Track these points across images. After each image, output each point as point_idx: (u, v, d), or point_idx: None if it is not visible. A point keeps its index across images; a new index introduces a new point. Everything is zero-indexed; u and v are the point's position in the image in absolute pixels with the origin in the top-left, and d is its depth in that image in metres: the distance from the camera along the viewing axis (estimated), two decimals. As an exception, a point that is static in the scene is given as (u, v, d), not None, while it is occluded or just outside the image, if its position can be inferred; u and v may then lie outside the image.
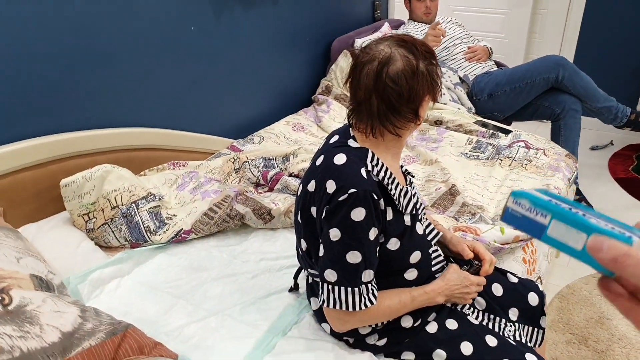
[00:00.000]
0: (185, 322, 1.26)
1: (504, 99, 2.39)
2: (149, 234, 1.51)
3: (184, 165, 1.80)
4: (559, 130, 2.39)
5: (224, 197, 1.57)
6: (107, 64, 1.63)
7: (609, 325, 1.84)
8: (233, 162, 1.77)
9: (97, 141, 1.60)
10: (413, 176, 1.25)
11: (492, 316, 1.23)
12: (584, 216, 0.40)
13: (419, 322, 1.15)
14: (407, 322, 1.14)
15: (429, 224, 1.20)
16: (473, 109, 2.43)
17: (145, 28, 1.71)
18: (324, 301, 1.02)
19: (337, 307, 1.01)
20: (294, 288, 1.34)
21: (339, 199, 0.96)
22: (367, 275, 1.00)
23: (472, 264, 1.21)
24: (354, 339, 1.16)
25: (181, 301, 1.33)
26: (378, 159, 1.04)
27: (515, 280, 1.29)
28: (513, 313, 1.25)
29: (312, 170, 1.07)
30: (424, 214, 1.20)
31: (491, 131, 2.07)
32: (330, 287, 1.01)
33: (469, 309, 1.22)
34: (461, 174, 1.81)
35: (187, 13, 1.84)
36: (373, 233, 0.99)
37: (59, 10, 1.46)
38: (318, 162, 1.06)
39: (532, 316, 1.26)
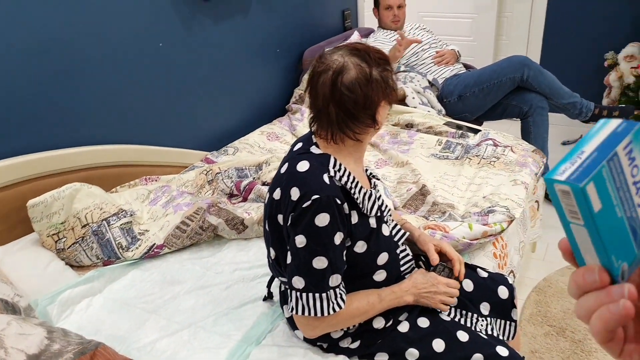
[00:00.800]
0: (157, 336, 1.25)
1: (473, 100, 2.44)
2: (121, 251, 1.50)
3: (156, 180, 1.80)
4: (528, 127, 2.44)
5: (196, 210, 1.57)
6: (75, 82, 1.63)
7: (586, 316, 1.87)
8: (206, 174, 1.77)
9: (67, 160, 1.60)
10: (378, 179, 1.27)
11: (464, 312, 1.25)
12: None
13: (391, 322, 1.16)
14: (379, 324, 1.15)
15: (396, 224, 1.21)
16: (443, 111, 2.47)
17: (113, 45, 1.72)
18: (293, 308, 1.03)
19: (306, 313, 1.02)
20: (268, 297, 1.34)
21: (303, 206, 0.98)
22: (335, 279, 1.02)
23: (437, 268, 1.22)
24: (328, 344, 1.17)
25: (154, 316, 1.32)
26: (340, 165, 1.06)
27: (485, 275, 1.31)
28: (484, 307, 1.26)
29: (278, 178, 1.08)
30: (390, 215, 1.21)
31: (461, 131, 2.11)
32: (298, 294, 1.02)
33: (453, 304, 1.23)
34: (431, 174, 1.84)
35: (156, 29, 1.86)
36: (338, 238, 1.00)
37: (25, 29, 1.47)
38: (283, 169, 1.08)
39: (503, 309, 1.28)
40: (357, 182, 1.07)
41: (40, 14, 1.50)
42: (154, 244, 1.51)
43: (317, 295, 1.01)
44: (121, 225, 1.53)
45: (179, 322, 1.29)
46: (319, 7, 2.78)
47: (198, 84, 2.08)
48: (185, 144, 2.06)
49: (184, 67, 2.00)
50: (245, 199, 1.70)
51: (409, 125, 2.22)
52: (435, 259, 1.21)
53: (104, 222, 1.51)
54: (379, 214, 1.12)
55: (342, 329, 1.14)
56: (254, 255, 1.52)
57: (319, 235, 0.98)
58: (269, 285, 1.33)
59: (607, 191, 0.33)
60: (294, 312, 1.03)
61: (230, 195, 1.74)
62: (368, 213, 1.08)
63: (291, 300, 1.03)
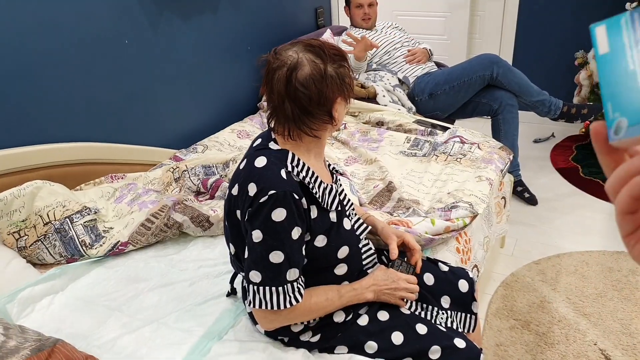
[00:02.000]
0: (119, 333, 1.25)
1: (444, 98, 2.47)
2: (84, 248, 1.49)
3: (122, 178, 1.79)
4: (498, 125, 2.48)
5: (162, 207, 1.57)
6: (36, 78, 1.61)
7: (550, 309, 1.91)
8: (172, 172, 1.77)
9: (28, 158, 1.58)
10: (341, 173, 1.28)
11: (424, 305, 1.27)
12: None
13: (351, 316, 1.17)
14: (339, 317, 1.17)
15: (358, 218, 1.23)
16: (413, 109, 2.50)
17: (77, 41, 1.70)
18: (251, 302, 1.04)
19: (263, 307, 1.02)
20: (231, 292, 1.34)
21: (260, 201, 0.99)
22: (292, 274, 1.02)
23: (394, 263, 1.24)
24: (288, 338, 1.18)
25: (116, 313, 1.31)
26: (299, 160, 1.07)
27: (446, 268, 1.33)
28: (445, 301, 1.29)
29: (236, 174, 1.09)
30: (352, 209, 1.22)
31: (430, 129, 2.14)
32: (255, 287, 1.02)
33: (408, 307, 1.25)
34: (399, 171, 1.86)
35: (122, 26, 1.84)
36: (296, 232, 1.01)
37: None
38: (242, 165, 1.09)
39: (464, 303, 1.30)
40: (317, 177, 1.08)
41: (2, 9, 1.48)
42: (119, 241, 1.51)
43: (273, 289, 1.01)
44: (85, 222, 1.52)
45: (142, 319, 1.29)
46: (291, 4, 2.78)
47: (166, 81, 2.07)
48: (154, 141, 2.05)
49: (151, 64, 1.99)
50: (212, 197, 1.70)
51: (379, 123, 2.24)
52: (394, 253, 1.23)
53: (66, 219, 1.50)
54: (339, 208, 1.13)
55: (302, 323, 1.15)
56: (219, 253, 1.52)
57: (275, 230, 0.99)
58: (231, 282, 1.33)
59: (621, 39, 0.32)
60: (252, 305, 1.04)
61: (198, 193, 1.74)
62: (328, 207, 1.09)
63: (249, 294, 1.04)
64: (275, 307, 1.02)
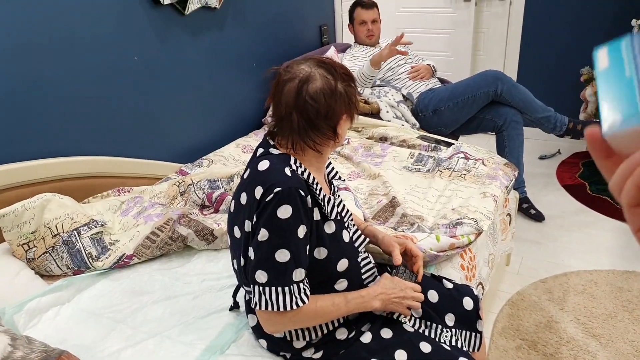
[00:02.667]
0: (122, 346, 1.25)
1: (448, 114, 2.49)
2: (91, 260, 1.50)
3: (129, 191, 1.81)
4: (502, 141, 2.49)
5: (167, 220, 1.58)
6: (47, 93, 1.64)
7: (557, 329, 1.89)
8: (178, 186, 1.79)
9: (38, 171, 1.61)
10: (344, 188, 1.29)
11: (428, 323, 1.26)
12: None
13: (354, 333, 1.17)
14: (341, 334, 1.16)
15: (356, 230, 1.23)
16: (417, 125, 2.52)
17: (87, 57, 1.74)
18: (256, 304, 1.03)
19: (269, 308, 1.01)
20: (234, 306, 1.35)
21: (266, 200, 0.99)
22: (298, 274, 1.02)
23: (398, 270, 1.24)
24: (291, 354, 1.17)
25: (120, 325, 1.32)
26: (301, 164, 1.09)
27: (450, 286, 1.33)
28: (449, 318, 1.28)
29: (241, 184, 1.10)
30: (351, 221, 1.23)
31: (433, 144, 2.15)
32: (261, 288, 1.01)
33: (405, 317, 1.24)
34: (402, 186, 1.87)
35: (131, 42, 1.88)
36: (302, 231, 1.01)
37: (-6, 43, 1.49)
38: (246, 175, 1.10)
39: (468, 320, 1.29)
40: (317, 183, 1.09)
41: (14, 24, 1.52)
42: (124, 254, 1.52)
43: (279, 289, 1.01)
44: (92, 235, 1.54)
45: (145, 331, 1.30)
46: (296, 22, 2.83)
47: (173, 96, 2.11)
48: (161, 156, 2.07)
49: (159, 80, 2.03)
50: (216, 210, 1.72)
51: (382, 139, 2.26)
52: (398, 259, 1.22)
53: (74, 232, 1.52)
54: (338, 218, 1.14)
55: (304, 339, 1.15)
56: (223, 266, 1.53)
57: (281, 228, 0.99)
58: (234, 295, 1.34)
59: (620, 55, 0.35)
60: (257, 307, 1.03)
61: (202, 207, 1.76)
62: (328, 215, 1.10)
63: (254, 296, 1.03)
64: (281, 308, 1.01)
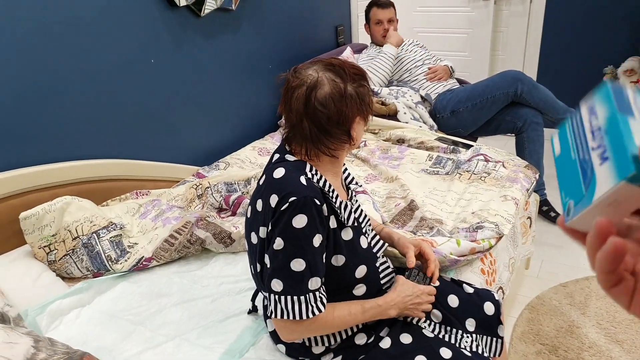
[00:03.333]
0: (142, 348, 1.26)
1: (467, 115, 2.46)
2: (110, 263, 1.52)
3: (147, 194, 1.82)
4: (522, 143, 2.45)
5: (185, 223, 1.59)
6: (66, 97, 1.66)
7: (579, 334, 1.85)
8: (195, 189, 1.80)
9: (58, 174, 1.63)
10: (362, 191, 1.28)
11: (448, 328, 1.24)
12: None
13: (373, 338, 1.16)
14: (360, 340, 1.15)
15: (375, 235, 1.22)
16: (435, 127, 2.49)
17: (105, 61, 1.76)
18: (272, 312, 1.03)
19: (285, 316, 1.01)
20: (252, 310, 1.35)
21: (281, 209, 0.99)
22: (314, 283, 1.01)
23: (412, 273, 1.23)
24: (310, 358, 1.17)
25: (140, 328, 1.33)
26: (317, 171, 1.07)
27: (471, 290, 1.31)
28: (470, 324, 1.26)
29: (257, 190, 1.10)
30: (369, 226, 1.22)
31: (452, 146, 2.12)
32: (276, 296, 1.01)
33: (425, 322, 1.23)
34: (421, 189, 1.85)
35: (148, 45, 1.90)
36: (317, 240, 1.00)
37: (16, 44, 1.50)
38: (261, 181, 1.09)
39: (489, 326, 1.27)
40: (334, 190, 1.08)
41: (29, 29, 1.54)
42: (143, 257, 1.53)
43: (295, 298, 1.00)
44: (111, 238, 1.55)
45: (164, 334, 1.30)
46: (312, 23, 2.82)
47: (189, 99, 2.11)
48: (178, 158, 2.08)
49: (176, 83, 2.04)
50: (234, 213, 1.72)
51: (400, 141, 2.24)
52: (412, 261, 1.21)
53: (93, 234, 1.53)
54: (355, 224, 1.12)
55: (323, 344, 1.14)
56: (241, 269, 1.53)
57: (296, 237, 0.98)
58: (253, 299, 1.34)
59: (566, 139, 0.40)
60: (273, 315, 1.03)
61: (220, 210, 1.76)
62: (345, 222, 1.09)
63: (270, 304, 1.03)
64: (297, 317, 1.00)
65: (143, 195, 1.82)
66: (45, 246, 1.49)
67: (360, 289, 1.13)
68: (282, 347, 1.20)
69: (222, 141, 2.31)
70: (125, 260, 1.53)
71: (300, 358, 1.18)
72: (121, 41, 1.80)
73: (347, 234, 1.09)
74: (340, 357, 1.15)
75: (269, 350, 1.23)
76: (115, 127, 1.84)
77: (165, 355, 1.23)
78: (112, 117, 1.82)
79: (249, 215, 1.13)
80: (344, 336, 1.15)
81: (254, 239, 1.10)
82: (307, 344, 1.14)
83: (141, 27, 1.86)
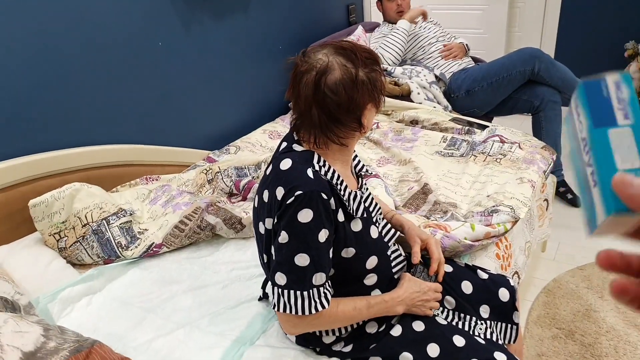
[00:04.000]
0: (153, 335, 1.26)
1: (482, 95, 2.39)
2: (120, 250, 1.51)
3: (156, 180, 1.81)
4: (539, 123, 2.38)
5: (195, 209, 1.57)
6: (74, 83, 1.64)
7: (597, 318, 1.82)
8: (206, 174, 1.77)
9: (67, 160, 1.61)
10: (374, 175, 1.24)
11: (462, 315, 1.22)
12: None
13: (384, 326, 1.14)
14: (371, 328, 1.13)
15: (386, 224, 1.19)
16: (449, 107, 2.43)
17: (112, 45, 1.73)
18: (275, 305, 1.02)
19: (287, 311, 0.99)
20: (263, 297, 1.33)
21: (287, 202, 0.96)
22: (318, 278, 0.99)
23: (416, 269, 1.20)
24: (320, 347, 1.15)
25: (151, 315, 1.33)
26: (325, 161, 1.04)
27: (485, 276, 1.28)
28: (484, 310, 1.23)
29: (264, 180, 1.07)
30: (380, 215, 1.19)
31: (467, 127, 2.07)
32: (280, 290, 0.99)
33: (438, 308, 1.20)
34: (435, 172, 1.81)
35: (154, 28, 1.86)
36: (323, 235, 0.98)
37: (24, 31, 1.48)
38: (268, 170, 1.06)
39: (504, 312, 1.24)
40: (342, 181, 1.05)
41: (38, 15, 1.51)
42: (153, 243, 1.52)
43: (298, 293, 0.98)
44: (120, 224, 1.54)
45: (175, 321, 1.30)
46: (323, 2, 2.75)
47: (198, 82, 2.08)
48: (187, 143, 2.06)
49: (184, 66, 2.00)
50: (244, 198, 1.70)
51: (413, 122, 2.18)
52: (416, 258, 1.18)
53: (103, 221, 1.52)
54: (365, 215, 1.09)
55: (334, 333, 1.13)
56: (251, 255, 1.51)
57: (301, 232, 0.96)
58: (263, 286, 1.32)
59: (571, 137, 0.39)
60: (276, 309, 1.01)
61: (230, 195, 1.74)
62: (354, 214, 1.06)
63: (274, 297, 1.01)
64: (299, 312, 0.99)
65: (153, 180, 1.80)
66: (55, 233, 1.49)
67: (371, 279, 1.11)
68: (292, 337, 1.19)
69: (232, 124, 2.28)
70: (136, 247, 1.52)
71: (311, 346, 1.16)
72: (128, 25, 1.76)
73: (356, 225, 1.06)
74: (351, 345, 1.13)
75: (280, 338, 1.22)
76: (124, 112, 1.82)
77: (177, 343, 1.23)
78: (120, 102, 1.80)
79: (256, 205, 1.11)
80: (355, 325, 1.13)
81: (261, 229, 1.08)
82: (317, 333, 1.13)
83: (147, 9, 1.82)
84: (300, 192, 0.95)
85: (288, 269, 0.98)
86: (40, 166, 1.55)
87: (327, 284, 1.02)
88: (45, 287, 1.38)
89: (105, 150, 1.72)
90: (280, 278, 0.99)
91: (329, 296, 1.02)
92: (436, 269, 1.20)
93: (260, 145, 2.12)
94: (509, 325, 1.25)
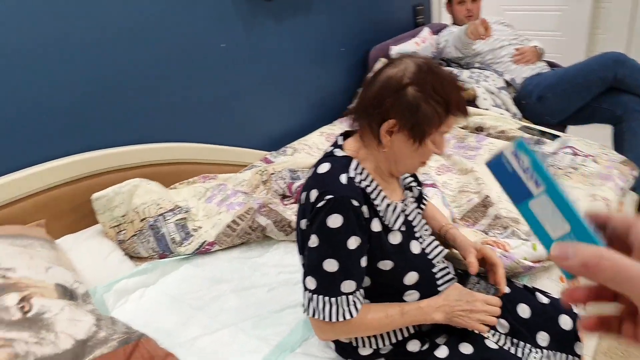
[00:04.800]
0: (199, 334, 1.28)
1: (555, 102, 2.22)
2: (174, 245, 1.55)
3: (214, 178, 1.85)
4: (621, 134, 2.18)
5: (248, 209, 1.59)
6: (137, 82, 1.71)
7: (678, 353, 1.63)
8: (261, 174, 1.79)
9: (128, 157, 1.69)
10: (431, 184, 1.18)
11: (515, 340, 1.13)
12: (574, 203, 0.35)
13: (427, 345, 1.08)
14: (413, 346, 1.08)
15: (432, 241, 1.12)
16: (519, 114, 2.28)
17: (174, 45, 1.78)
18: (305, 310, 1.00)
19: (316, 316, 0.98)
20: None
21: (318, 206, 0.95)
22: (348, 286, 0.96)
23: (470, 280, 1.11)
24: (358, 360, 1.12)
25: (199, 313, 1.35)
26: (363, 169, 1.01)
27: (545, 300, 1.18)
28: (542, 338, 1.14)
29: (305, 183, 1.06)
30: (425, 230, 1.12)
31: (537, 137, 1.93)
32: (310, 294, 0.98)
33: (488, 331, 1.12)
34: (497, 184, 1.70)
35: (217, 30, 1.90)
36: (354, 242, 0.95)
37: (91, 29, 1.56)
38: (310, 173, 1.05)
39: (565, 342, 1.14)
40: (380, 191, 1.01)
41: (102, 17, 1.59)
42: (205, 241, 1.55)
43: (327, 299, 0.96)
44: (176, 220, 1.58)
45: (221, 321, 1.31)
46: (388, 2, 2.69)
47: (259, 83, 2.10)
48: (245, 143, 2.09)
49: (245, 67, 2.03)
50: (297, 201, 1.69)
51: (478, 129, 2.07)
52: (474, 268, 1.09)
53: (160, 217, 1.57)
54: (404, 229, 1.04)
55: (371, 347, 1.08)
56: (299, 259, 1.50)
57: (330, 237, 0.94)
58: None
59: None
60: (306, 312, 1.00)
61: (283, 197, 1.74)
62: (391, 226, 1.01)
63: (304, 301, 1.00)
64: (327, 318, 0.97)
65: (210, 179, 1.84)
66: (115, 226, 1.56)
67: (412, 296, 1.05)
68: (332, 344, 1.16)
69: (290, 126, 2.28)
70: (189, 244, 1.56)
71: (348, 359, 1.13)
72: (192, 26, 1.81)
73: (394, 238, 1.02)
74: (390, 363, 1.09)
75: (320, 347, 1.20)
76: (185, 111, 1.87)
77: (221, 344, 1.24)
78: (182, 102, 1.85)
79: (300, 203, 1.10)
80: (394, 340, 1.08)
81: (302, 225, 1.06)
82: (353, 344, 1.10)
83: (211, 11, 1.86)
84: (331, 196, 0.93)
85: (317, 273, 0.96)
86: (103, 162, 1.63)
87: (358, 292, 0.99)
88: (103, 277, 1.45)
89: (165, 147, 1.78)
90: (310, 282, 0.98)
91: (359, 305, 0.99)
92: (500, 276, 1.11)
93: (317, 147, 2.11)
94: (570, 357, 1.14)
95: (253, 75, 2.07)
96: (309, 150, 2.09)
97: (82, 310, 1.18)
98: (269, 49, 2.10)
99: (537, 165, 0.35)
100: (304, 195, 1.02)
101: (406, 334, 1.08)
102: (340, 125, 2.30)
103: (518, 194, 0.35)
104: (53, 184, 1.54)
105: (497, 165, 0.37)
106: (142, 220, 1.56)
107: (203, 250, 1.56)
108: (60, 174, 1.54)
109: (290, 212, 1.59)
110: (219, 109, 1.98)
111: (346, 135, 1.10)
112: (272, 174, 1.77)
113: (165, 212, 1.59)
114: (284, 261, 1.52)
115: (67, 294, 1.26)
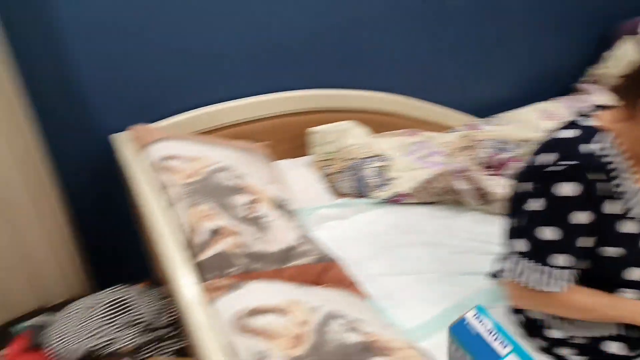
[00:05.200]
0: (384, 272, 1.36)
1: None
2: (370, 189, 1.65)
3: (418, 134, 1.88)
4: None
5: (445, 171, 1.59)
6: (363, 31, 1.78)
7: None
8: (466, 139, 1.76)
9: (346, 100, 1.82)
10: None
11: None
12: None
13: (635, 354, 0.98)
14: (614, 349, 0.99)
15: None
16: None
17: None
18: (506, 271, 0.97)
19: (521, 279, 0.95)
20: (493, 276, 1.29)
21: (553, 170, 0.90)
22: (561, 259, 0.91)
23: None
24: (547, 344, 1.07)
25: (386, 254, 1.43)
26: (614, 143, 0.92)
27: None
28: None
29: (537, 148, 1.01)
30: None
31: None
32: (516, 257, 0.95)
33: None
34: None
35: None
36: (578, 217, 0.89)
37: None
38: (545, 138, 1.00)
39: None
40: (627, 171, 0.91)
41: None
42: (399, 192, 1.61)
43: (538, 265, 0.93)
44: (376, 166, 1.67)
45: (405, 267, 1.37)
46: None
47: (475, 44, 2.00)
48: (451, 104, 2.05)
49: (467, 26, 1.95)
50: (498, 173, 1.63)
51: None
52: None
53: (362, 160, 1.68)
54: None
55: (560, 332, 1.02)
56: (490, 231, 1.47)
57: (554, 205, 0.89)
58: (495, 266, 1.27)
59: None
60: (506, 274, 0.98)
61: (486, 167, 1.69)
62: (629, 212, 0.91)
63: (508, 262, 0.98)
64: (529, 285, 0.93)
65: (415, 134, 1.88)
66: (323, 160, 1.72)
67: (626, 295, 0.95)
68: (516, 317, 1.13)
69: (501, 95, 2.17)
70: (384, 191, 1.64)
71: (533, 336, 1.08)
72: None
73: (628, 226, 0.92)
74: (585, 358, 1.01)
75: (501, 318, 1.17)
76: (401, 65, 1.91)
77: (401, 286, 1.30)
78: (401, 54, 1.89)
79: (521, 169, 1.06)
80: (590, 335, 1.00)
81: (518, 189, 1.03)
82: (546, 324, 1.05)
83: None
84: (568, 163, 0.88)
85: (533, 237, 0.93)
86: (323, 100, 1.79)
87: (571, 269, 0.93)
88: (308, 202, 1.62)
89: (377, 97, 1.86)
90: (521, 245, 0.95)
91: (566, 281, 0.93)
92: None
93: (528, 123, 1.97)
94: None
95: (475, 35, 1.99)
96: (518, 124, 1.97)
97: (294, 223, 1.35)
98: (499, 7, 1.98)
99: (501, 328, 0.36)
100: (531, 158, 0.99)
101: (606, 334, 1.00)
102: (561, 105, 2.10)
103: (484, 356, 0.36)
104: (280, 113, 1.75)
105: (461, 329, 0.38)
106: (347, 160, 1.68)
107: (395, 199, 1.62)
108: (286, 105, 1.75)
109: (490, 182, 1.55)
110: (435, 64, 1.97)
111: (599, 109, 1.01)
112: (478, 141, 1.73)
113: (368, 157, 1.69)
114: (475, 229, 1.50)
115: (280, 207, 1.46)
